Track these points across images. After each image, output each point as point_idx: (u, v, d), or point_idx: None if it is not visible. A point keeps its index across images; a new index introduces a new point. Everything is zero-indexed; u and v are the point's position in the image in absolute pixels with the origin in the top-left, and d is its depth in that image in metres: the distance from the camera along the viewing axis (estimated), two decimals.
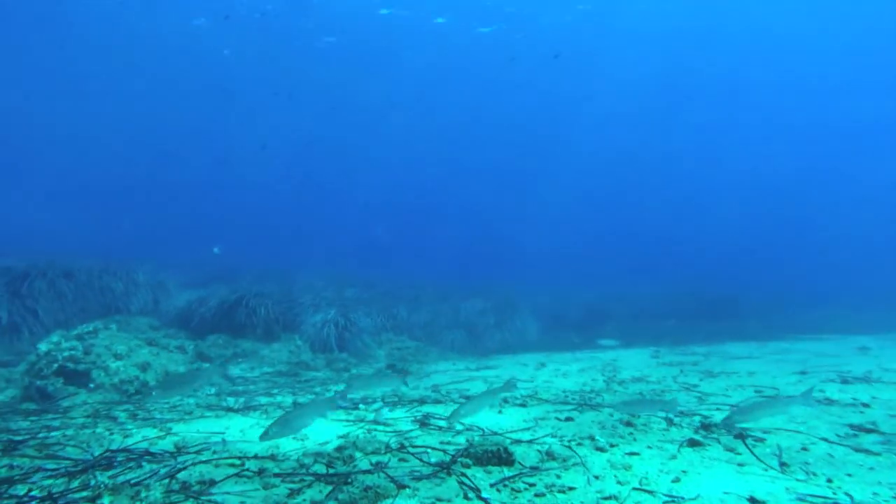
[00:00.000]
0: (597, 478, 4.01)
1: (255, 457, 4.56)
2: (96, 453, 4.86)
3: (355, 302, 14.19)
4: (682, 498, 3.55)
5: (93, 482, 3.47)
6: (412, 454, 4.64)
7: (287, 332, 11.92)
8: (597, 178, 53.76)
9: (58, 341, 8.00)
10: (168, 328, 11.31)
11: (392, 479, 3.88)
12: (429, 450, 4.76)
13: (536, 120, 43.04)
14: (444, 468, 4.19)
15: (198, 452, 4.78)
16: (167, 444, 5.14)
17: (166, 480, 3.92)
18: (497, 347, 14.66)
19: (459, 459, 4.34)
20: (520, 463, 4.37)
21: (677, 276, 31.96)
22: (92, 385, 7.75)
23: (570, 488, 3.78)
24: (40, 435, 5.50)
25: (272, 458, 4.54)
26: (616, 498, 3.58)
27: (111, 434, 5.55)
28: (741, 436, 4.92)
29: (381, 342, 12.82)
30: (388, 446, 4.80)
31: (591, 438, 4.98)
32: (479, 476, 4.08)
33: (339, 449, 4.53)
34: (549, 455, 4.53)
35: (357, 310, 12.72)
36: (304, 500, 3.61)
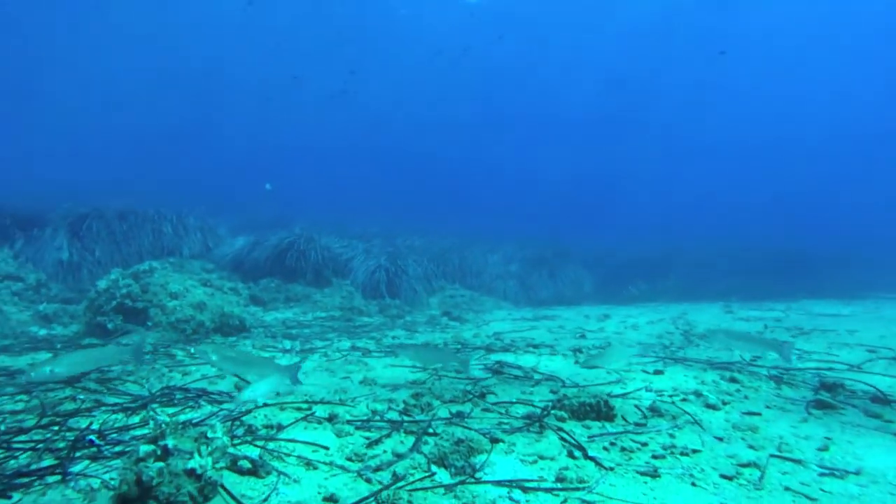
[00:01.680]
0: (720, 440, 3.40)
1: (322, 401, 4.16)
2: (156, 387, 4.60)
3: (407, 250, 13.76)
4: (843, 471, 2.90)
5: (154, 420, 3.10)
6: (495, 404, 4.15)
7: (338, 277, 11.62)
8: (659, 133, 51.01)
9: (115, 279, 7.86)
10: (221, 271, 11.18)
11: (481, 433, 3.39)
12: (511, 402, 4.25)
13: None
14: (536, 421, 3.68)
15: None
16: (227, 384, 4.84)
17: (229, 423, 3.56)
18: (551, 298, 14.06)
19: (553, 412, 3.81)
20: (623, 418, 3.81)
21: (739, 231, 30.04)
22: (150, 323, 7.62)
23: (694, 451, 3.20)
24: (102, 368, 5.31)
25: (340, 402, 4.14)
26: (756, 466, 2.97)
27: (170, 371, 5.31)
28: (884, 400, 4.19)
29: (434, 290, 12.40)
30: (466, 393, 4.32)
31: (697, 394, 4.35)
32: (578, 431, 3.55)
33: (416, 396, 4.07)
34: (654, 411, 3.94)
35: (408, 257, 12.28)
36: (385, 451, 3.16)
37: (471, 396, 4.29)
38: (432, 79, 44.08)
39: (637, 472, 2.91)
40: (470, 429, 3.42)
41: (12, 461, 2.94)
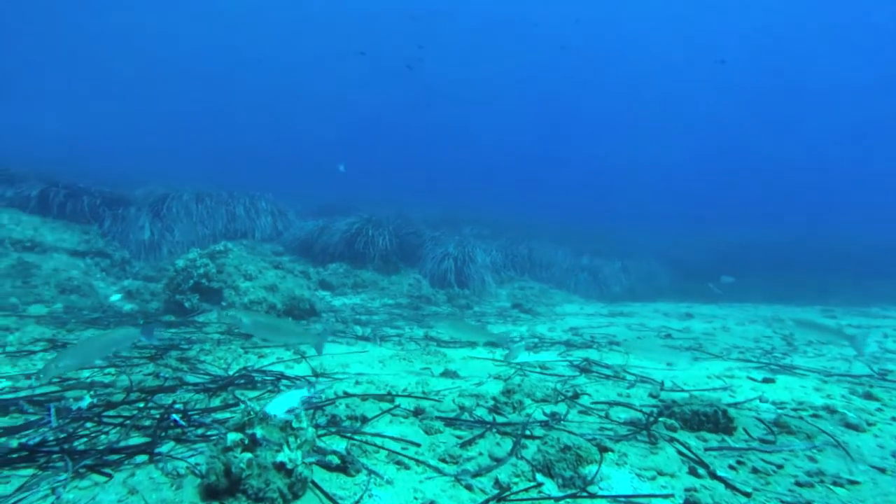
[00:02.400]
0: (881, 470, 2.86)
1: (406, 393, 3.91)
2: (232, 371, 4.52)
3: (474, 238, 13.44)
4: None
5: (242, 406, 2.94)
6: (591, 406, 3.76)
7: (405, 264, 11.47)
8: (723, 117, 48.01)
9: (193, 258, 8.01)
10: (290, 254, 11.29)
11: (587, 439, 3.02)
12: (609, 404, 3.84)
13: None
14: (643, 428, 3.26)
15: (337, 380, 4.26)
16: (303, 368, 4.70)
17: (311, 411, 3.37)
18: (623, 293, 13.34)
19: (661, 419, 3.38)
20: (745, 431, 3.32)
21: (814, 224, 27.62)
22: (224, 303, 7.71)
23: (851, 482, 2.68)
24: (182, 346, 5.33)
25: (424, 395, 3.87)
26: None
27: (245, 353, 5.25)
28: None
29: (502, 281, 12.03)
30: (557, 392, 3.95)
31: (830, 411, 3.77)
32: (693, 444, 3.11)
33: (507, 393, 3.73)
34: (780, 426, 3.42)
35: (476, 247, 11.94)
36: (481, 453, 2.86)
37: (562, 396, 3.92)
38: (496, 58, 43.02)
39: (783, 503, 2.45)
40: (573, 433, 3.06)
41: (103, 436, 2.86)
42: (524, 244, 13.62)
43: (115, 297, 8.70)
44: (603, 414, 3.60)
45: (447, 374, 4.58)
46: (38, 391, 3.62)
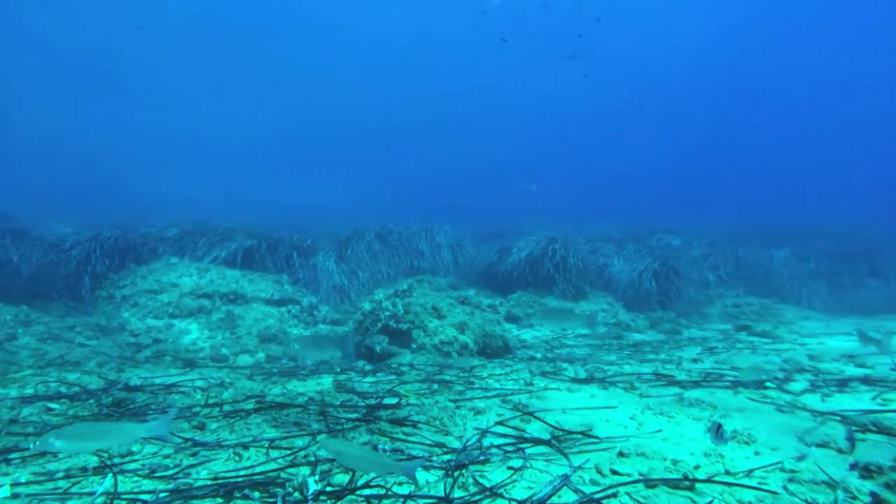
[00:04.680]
0: None
1: (706, 476, 2.74)
2: (453, 431, 3.76)
3: (663, 250, 11.71)
4: None
5: None
6: None
7: (593, 288, 10.22)
8: None
9: (379, 300, 7.76)
10: (470, 286, 10.75)
11: None
12: None
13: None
14: None
15: (585, 449, 3.25)
16: (535, 427, 3.78)
17: None
18: (879, 305, 10.41)
19: None
20: None
21: None
22: (414, 345, 7.25)
23: None
24: (385, 401, 4.79)
25: (731, 477, 2.67)
26: None
27: (457, 408, 4.51)
28: None
29: (711, 297, 10.13)
30: None
31: None
32: None
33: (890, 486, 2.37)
34: None
35: (676, 258, 10.26)
36: None
37: None
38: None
39: None
40: None
41: None
42: (728, 251, 11.47)
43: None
44: None
45: (739, 438, 3.30)
46: (256, 468, 3.19)
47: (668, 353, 7.04)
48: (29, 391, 5.04)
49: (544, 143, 50.10)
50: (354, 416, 4.32)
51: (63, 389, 5.11)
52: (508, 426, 3.87)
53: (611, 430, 3.63)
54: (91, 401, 4.75)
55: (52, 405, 4.65)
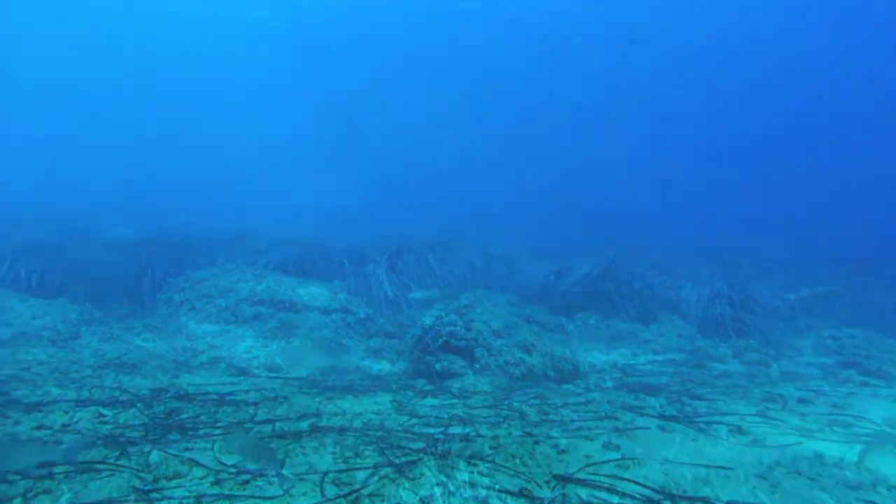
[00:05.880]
0: None
1: None
2: (535, 474, 3.24)
3: (733, 269, 10.78)
4: None
5: None
6: None
7: (662, 310, 9.44)
8: None
9: (439, 315, 7.32)
10: (527, 304, 10.17)
11: None
12: None
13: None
14: None
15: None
16: (656, 476, 3.20)
17: None
18: None
19: None
20: None
21: None
22: (477, 365, 6.75)
23: None
24: (451, 429, 4.31)
25: None
26: None
27: (535, 443, 3.97)
28: None
29: (799, 329, 9.14)
30: None
31: None
32: None
33: None
34: None
35: (755, 282, 9.36)
36: None
37: None
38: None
39: None
40: None
41: None
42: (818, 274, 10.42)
43: (359, 356, 8.50)
44: None
45: None
46: None
47: (762, 388, 6.25)
48: (84, 394, 4.87)
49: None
50: (419, 445, 3.87)
51: (116, 394, 4.92)
52: (602, 475, 3.31)
53: (735, 492, 3.01)
54: (140, 406, 4.52)
55: (105, 411, 4.44)
